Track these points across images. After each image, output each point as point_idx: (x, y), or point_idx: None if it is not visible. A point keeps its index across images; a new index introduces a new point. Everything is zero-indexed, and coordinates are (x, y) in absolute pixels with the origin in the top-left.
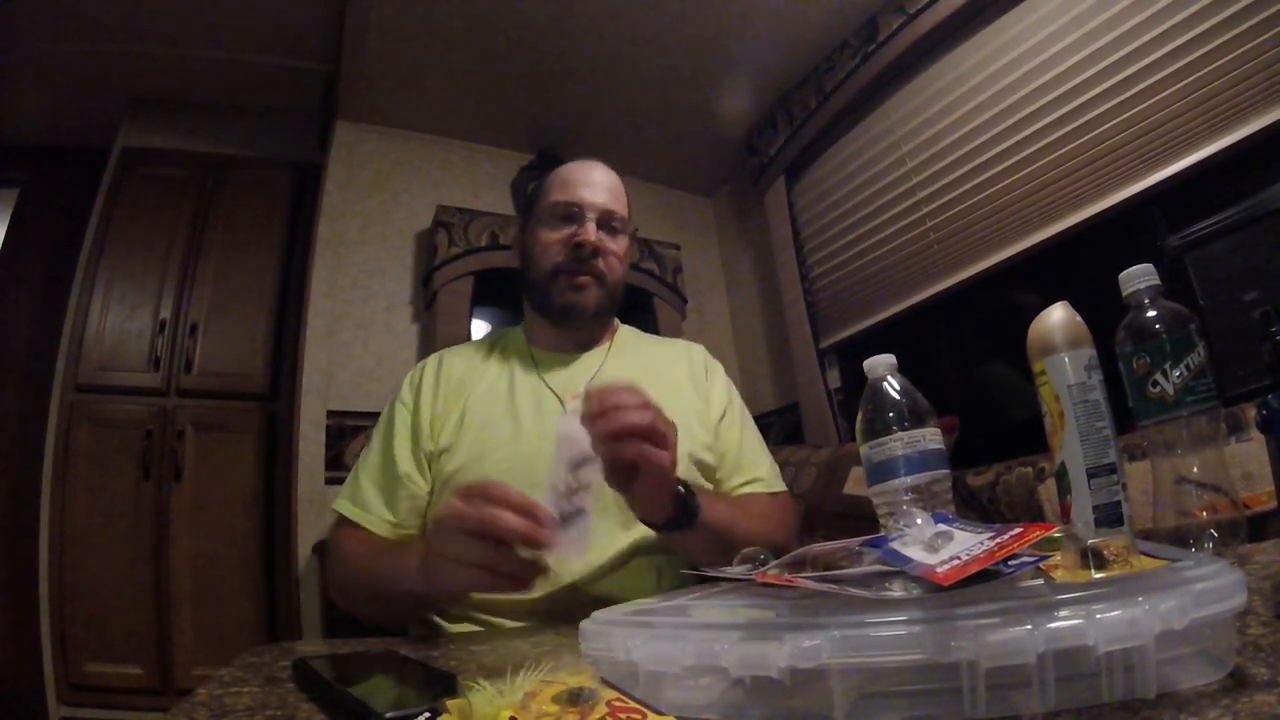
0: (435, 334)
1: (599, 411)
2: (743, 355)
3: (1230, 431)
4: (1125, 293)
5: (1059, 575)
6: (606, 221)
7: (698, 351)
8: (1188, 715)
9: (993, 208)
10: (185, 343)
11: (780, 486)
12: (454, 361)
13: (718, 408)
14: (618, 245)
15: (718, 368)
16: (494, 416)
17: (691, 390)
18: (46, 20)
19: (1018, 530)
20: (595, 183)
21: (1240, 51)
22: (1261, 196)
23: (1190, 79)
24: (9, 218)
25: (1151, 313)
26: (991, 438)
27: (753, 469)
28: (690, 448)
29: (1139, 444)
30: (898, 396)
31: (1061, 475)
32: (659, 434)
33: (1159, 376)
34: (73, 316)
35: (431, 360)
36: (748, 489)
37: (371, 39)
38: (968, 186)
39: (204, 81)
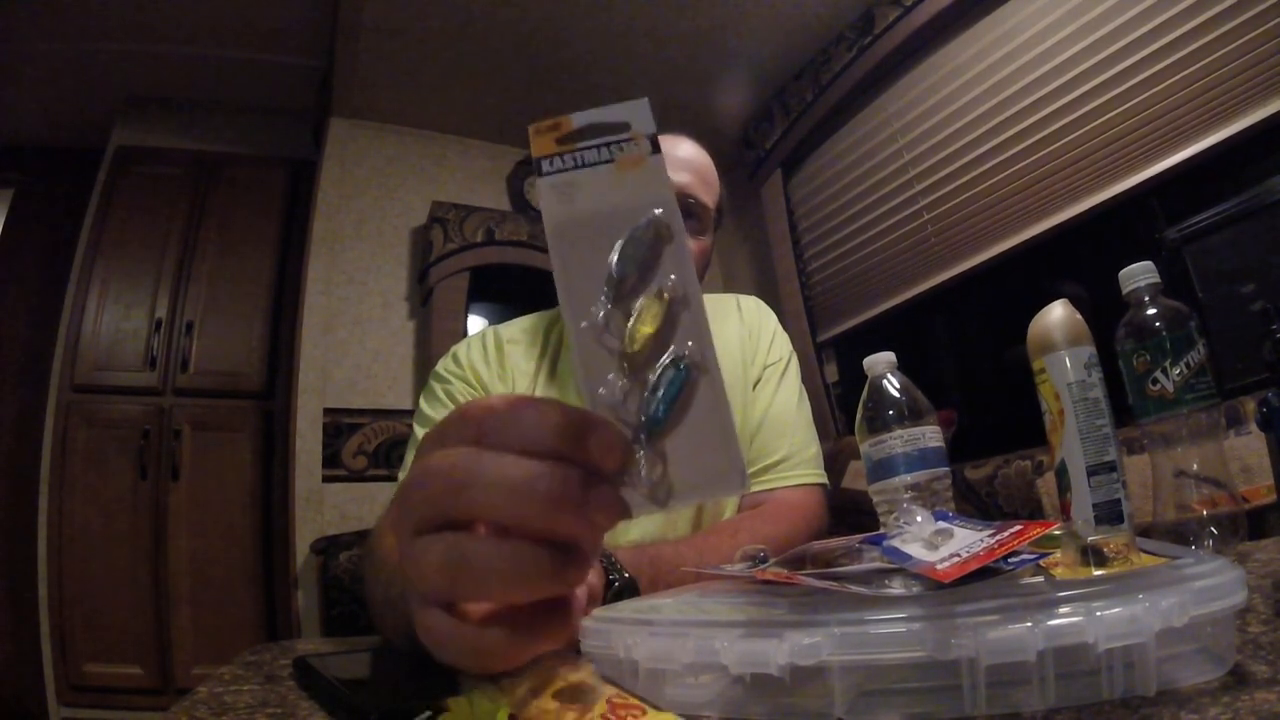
0: (431, 330)
1: None
2: None
3: (1229, 425)
4: (1125, 290)
5: (1059, 572)
6: (684, 208)
7: (749, 311)
8: (1188, 713)
9: (990, 200)
10: (181, 342)
11: (801, 475)
12: (508, 342)
13: (755, 372)
14: (694, 240)
15: (768, 323)
16: None
17: (741, 369)
18: (40, 20)
19: (1018, 528)
20: (677, 159)
21: (1238, 44)
22: (1260, 189)
23: (1188, 71)
24: (4, 218)
25: (1151, 310)
26: (989, 431)
27: (770, 452)
28: None
29: (1138, 438)
30: (897, 394)
31: (1061, 473)
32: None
33: (1159, 374)
34: (69, 316)
35: (489, 336)
36: (756, 485)
37: (365, 35)
38: (965, 179)
39: (198, 79)
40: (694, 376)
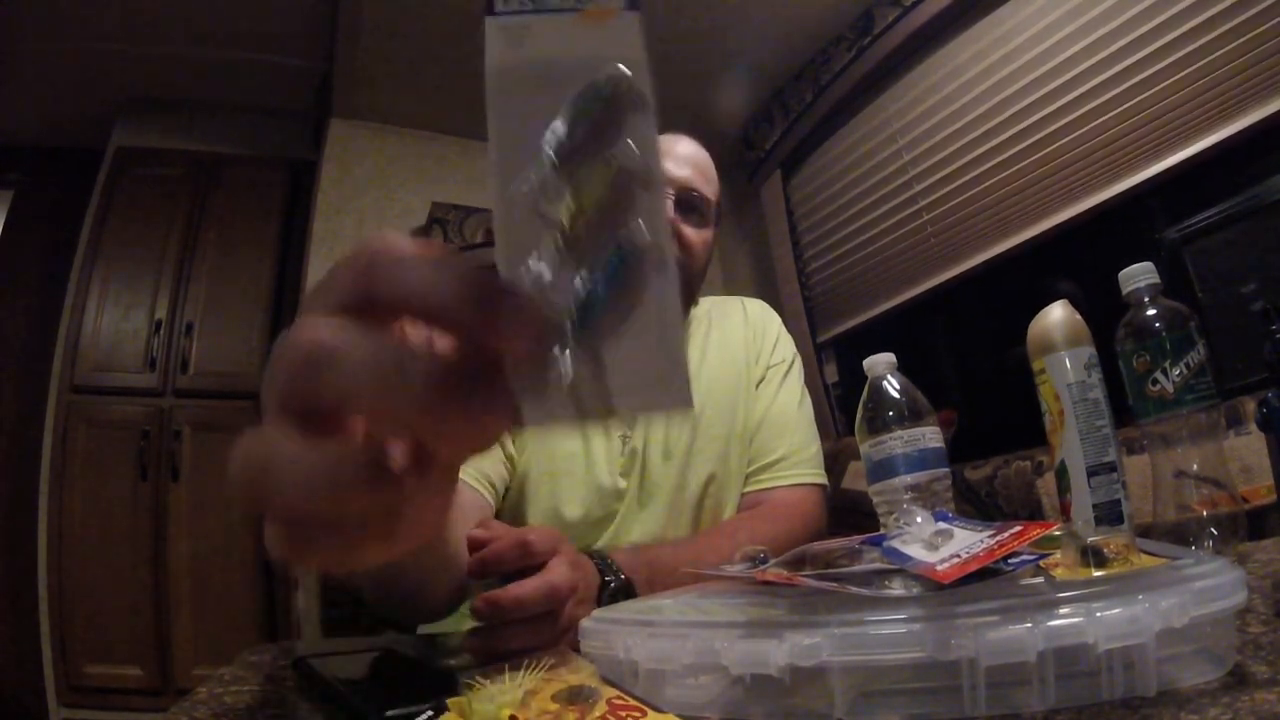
0: None
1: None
2: None
3: (1229, 425)
4: (1125, 291)
5: (1059, 573)
6: (687, 201)
7: (755, 314)
8: (1188, 713)
9: (990, 201)
10: (181, 343)
11: (800, 474)
12: None
13: (759, 372)
14: (697, 232)
15: (772, 325)
16: None
17: (745, 368)
18: (40, 20)
19: (1018, 528)
20: (678, 155)
21: (1238, 43)
22: (1260, 189)
23: (1188, 70)
24: (4, 218)
25: (1151, 311)
26: (989, 431)
27: (769, 451)
28: (727, 435)
29: (1138, 438)
30: (897, 395)
31: (1061, 473)
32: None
33: (1159, 375)
34: (68, 317)
35: None
36: (754, 484)
37: (365, 36)
38: (965, 180)
39: (198, 80)
40: (643, 266)
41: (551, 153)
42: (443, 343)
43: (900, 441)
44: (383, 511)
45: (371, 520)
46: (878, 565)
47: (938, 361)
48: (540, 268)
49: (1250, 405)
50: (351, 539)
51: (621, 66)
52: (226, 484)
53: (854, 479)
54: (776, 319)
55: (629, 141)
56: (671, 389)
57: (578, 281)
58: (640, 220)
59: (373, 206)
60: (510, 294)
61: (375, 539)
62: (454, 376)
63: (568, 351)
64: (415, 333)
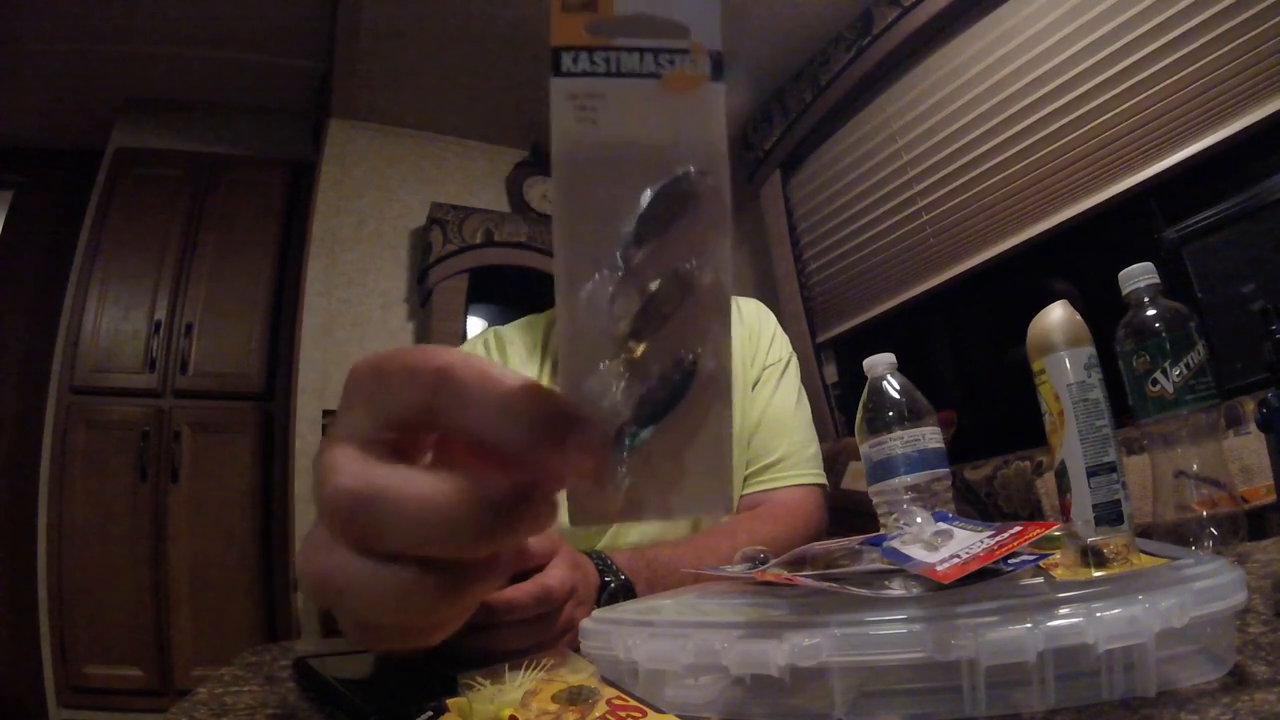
0: (431, 332)
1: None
2: None
3: (1228, 425)
4: (1125, 291)
5: (1059, 573)
6: None
7: (750, 314)
8: (1188, 713)
9: (989, 201)
10: (181, 343)
11: (799, 475)
12: (511, 345)
13: (755, 373)
14: None
15: (768, 324)
16: None
17: (741, 369)
18: (40, 20)
19: (1017, 529)
20: None
21: (1238, 43)
22: (1259, 188)
23: (1187, 70)
24: (4, 219)
25: (1151, 311)
26: (989, 431)
27: (768, 452)
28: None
29: (1138, 438)
30: (897, 395)
31: (1061, 473)
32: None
33: (1159, 375)
34: (68, 318)
35: (490, 336)
36: (753, 485)
37: (364, 37)
38: (964, 180)
39: (197, 81)
40: (705, 390)
41: (623, 258)
42: (501, 470)
43: (900, 442)
44: (450, 615)
45: (439, 622)
46: (878, 565)
47: (938, 361)
48: (607, 386)
49: (1250, 405)
50: (420, 634)
51: (700, 165)
52: (297, 575)
53: (854, 479)
54: (772, 318)
55: (706, 260)
56: (719, 501)
57: (640, 396)
58: (709, 345)
59: (372, 207)
60: (579, 425)
61: (440, 628)
62: (515, 505)
63: (622, 459)
64: (465, 454)
